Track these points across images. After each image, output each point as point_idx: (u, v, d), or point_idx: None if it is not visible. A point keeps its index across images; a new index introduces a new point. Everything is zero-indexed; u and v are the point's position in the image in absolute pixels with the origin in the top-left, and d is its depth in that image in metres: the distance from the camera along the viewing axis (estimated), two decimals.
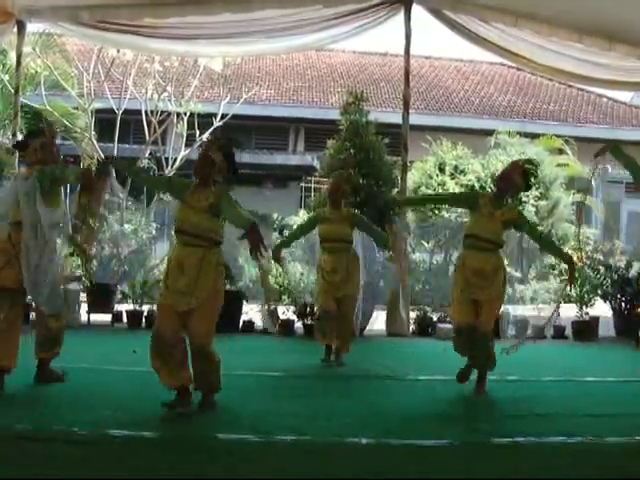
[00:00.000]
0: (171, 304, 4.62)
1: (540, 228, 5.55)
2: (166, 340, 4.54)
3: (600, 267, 10.41)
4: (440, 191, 12.67)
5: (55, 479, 3.30)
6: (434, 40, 20.85)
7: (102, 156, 14.43)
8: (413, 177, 13.88)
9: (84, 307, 9.59)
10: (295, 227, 7.83)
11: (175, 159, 15.03)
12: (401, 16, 9.59)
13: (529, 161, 5.85)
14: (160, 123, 14.74)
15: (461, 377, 5.70)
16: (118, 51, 13.54)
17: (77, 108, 14.28)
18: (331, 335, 6.86)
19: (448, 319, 9.60)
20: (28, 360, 5.40)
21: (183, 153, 15.16)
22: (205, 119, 15.17)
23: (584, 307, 9.73)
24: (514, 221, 5.61)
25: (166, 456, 3.75)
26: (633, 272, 10.09)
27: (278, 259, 7.09)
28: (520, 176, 5.56)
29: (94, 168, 5.43)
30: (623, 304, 9.83)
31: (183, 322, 4.61)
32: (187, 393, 4.67)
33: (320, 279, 6.97)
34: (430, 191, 13.86)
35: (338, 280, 6.77)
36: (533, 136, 17.17)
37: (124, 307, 9.68)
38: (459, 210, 13.67)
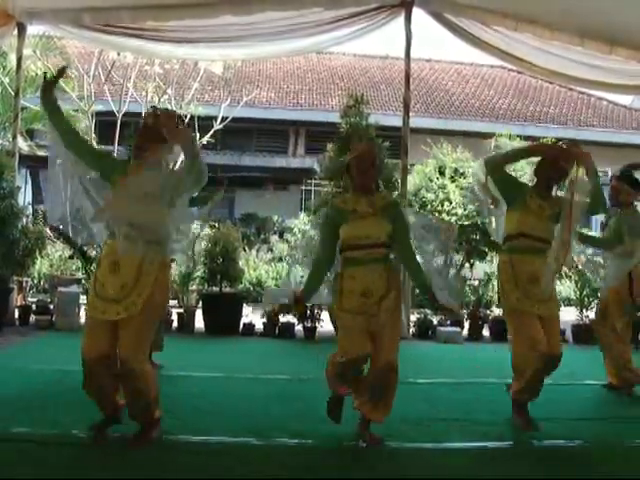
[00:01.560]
0: (99, 314, 3.81)
1: None
2: (91, 362, 3.80)
3: (600, 270, 10.40)
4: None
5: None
6: (434, 43, 20.86)
7: None
8: (413, 180, 13.85)
9: (83, 309, 9.58)
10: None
11: (175, 161, 15.02)
12: (402, 19, 9.60)
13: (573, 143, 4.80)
14: None
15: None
16: (119, 54, 13.56)
17: (77, 110, 14.30)
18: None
19: (448, 322, 9.62)
20: (23, 362, 5.39)
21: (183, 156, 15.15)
22: (205, 122, 15.19)
23: (584, 310, 9.74)
24: (558, 215, 4.63)
25: (166, 458, 3.74)
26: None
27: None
28: (567, 161, 4.61)
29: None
30: None
31: (114, 336, 3.81)
32: (117, 414, 4.08)
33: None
34: (431, 194, 13.83)
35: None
36: (533, 139, 17.10)
37: None
38: (459, 213, 13.68)
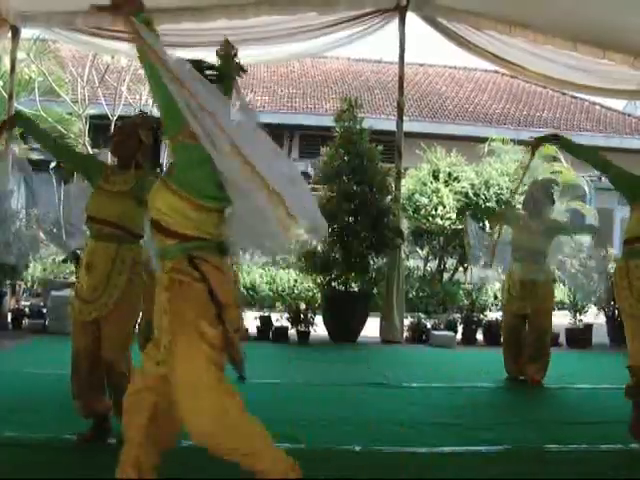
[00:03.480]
0: (77, 315, 3.91)
1: None
2: (80, 358, 3.90)
3: (594, 274, 10.42)
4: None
5: None
6: (428, 47, 20.94)
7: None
8: (407, 184, 13.87)
9: None
10: None
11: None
12: (396, 23, 9.62)
13: None
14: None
15: None
16: (112, 57, 13.52)
17: (71, 114, 14.27)
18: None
19: (442, 326, 9.62)
20: (16, 366, 5.37)
21: None
22: None
23: (578, 314, 9.75)
24: None
25: (164, 463, 3.72)
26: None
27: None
28: None
29: None
30: (617, 311, 9.84)
31: (97, 336, 3.89)
32: (105, 423, 4.08)
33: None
34: (425, 198, 13.84)
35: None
36: (527, 144, 17.18)
37: None
38: (453, 217, 13.70)
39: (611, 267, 9.73)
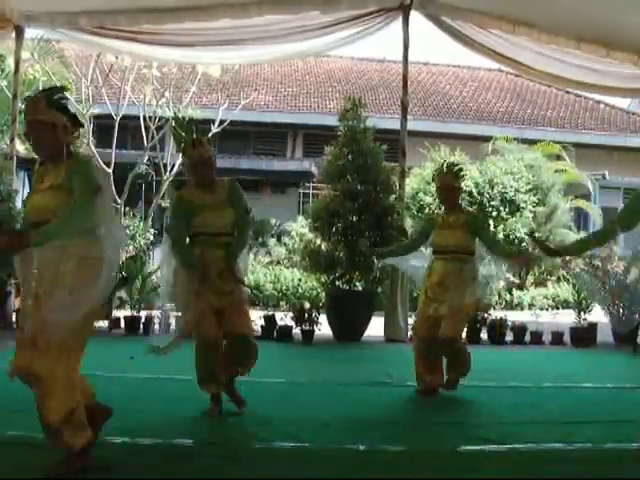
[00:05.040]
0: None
1: None
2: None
3: (598, 273, 10.41)
4: None
5: None
6: (432, 46, 20.92)
7: (100, 162, 14.45)
8: (411, 183, 13.88)
9: None
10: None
11: (173, 165, 15.03)
12: (399, 22, 9.61)
13: None
14: (158, 129, 14.75)
15: None
16: (116, 57, 13.54)
17: (75, 114, 14.28)
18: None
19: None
20: None
21: (181, 159, 15.16)
22: (203, 125, 15.14)
23: (582, 313, 9.73)
24: None
25: (164, 463, 3.73)
26: (631, 278, 10.08)
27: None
28: None
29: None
30: (621, 310, 9.82)
31: None
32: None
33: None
34: (429, 197, 13.83)
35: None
36: (531, 142, 17.20)
37: (122, 313, 9.67)
38: None
39: (615, 266, 9.73)
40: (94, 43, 10.19)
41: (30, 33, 10.72)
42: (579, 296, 9.90)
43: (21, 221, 3.76)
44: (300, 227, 15.77)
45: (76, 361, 3.53)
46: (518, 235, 14.24)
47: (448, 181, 5.80)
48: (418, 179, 14.31)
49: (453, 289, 5.67)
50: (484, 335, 9.52)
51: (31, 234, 3.27)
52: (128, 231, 12.59)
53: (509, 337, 9.51)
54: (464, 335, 9.46)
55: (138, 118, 14.64)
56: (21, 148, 11.50)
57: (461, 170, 5.90)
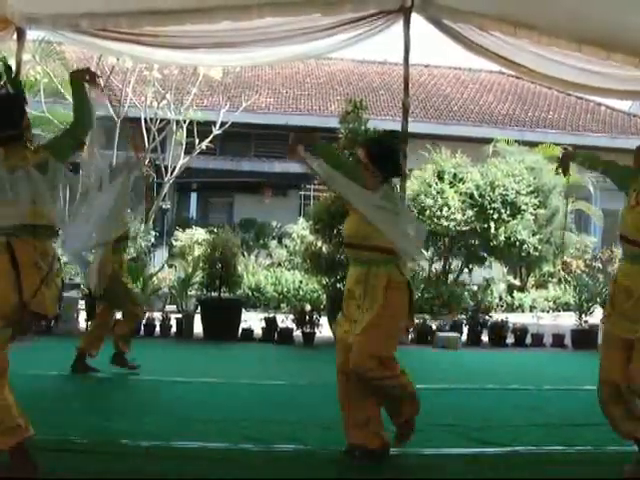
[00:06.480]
0: None
1: None
2: None
3: (599, 275, 10.42)
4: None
5: None
6: (433, 48, 20.92)
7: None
8: (412, 185, 13.87)
9: (83, 315, 9.58)
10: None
11: (174, 167, 15.05)
12: (400, 25, 9.60)
13: None
14: (159, 131, 14.77)
15: None
16: (117, 59, 13.57)
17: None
18: None
19: (447, 327, 9.62)
20: (21, 368, 5.36)
21: (182, 161, 15.17)
22: (204, 127, 15.20)
23: (583, 315, 9.73)
24: None
25: (164, 464, 3.73)
26: None
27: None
28: None
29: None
30: None
31: None
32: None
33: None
34: (429, 200, 13.84)
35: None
36: (532, 144, 17.18)
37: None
38: (458, 218, 13.69)
39: (616, 267, 9.74)
40: (95, 45, 10.17)
41: (31, 35, 10.71)
42: (580, 298, 9.90)
43: None
44: (301, 229, 15.76)
45: None
46: (519, 237, 14.23)
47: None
48: (419, 181, 14.29)
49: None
50: (485, 337, 9.53)
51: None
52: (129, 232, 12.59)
53: (510, 339, 9.51)
54: (464, 337, 9.50)
55: (139, 120, 14.65)
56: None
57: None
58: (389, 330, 3.88)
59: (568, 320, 10.04)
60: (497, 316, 9.99)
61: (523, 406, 5.57)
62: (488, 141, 17.02)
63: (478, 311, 10.26)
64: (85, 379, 6.10)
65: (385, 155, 4.06)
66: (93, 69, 14.00)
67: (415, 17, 9.59)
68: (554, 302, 14.70)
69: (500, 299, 14.53)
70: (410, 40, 9.70)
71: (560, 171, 4.50)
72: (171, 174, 14.99)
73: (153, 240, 13.29)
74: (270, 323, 9.15)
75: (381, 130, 4.40)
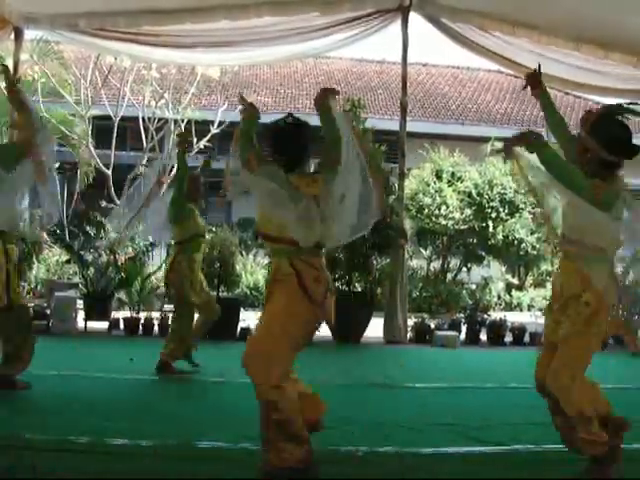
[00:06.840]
0: None
1: None
2: None
3: None
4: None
5: None
6: (431, 47, 20.92)
7: (99, 163, 14.45)
8: (410, 184, 13.88)
9: (81, 314, 9.58)
10: None
11: (172, 166, 15.03)
12: (398, 23, 9.62)
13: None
14: (157, 130, 14.76)
15: None
16: (116, 58, 13.57)
17: (74, 115, 14.31)
18: None
19: (446, 326, 9.63)
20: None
21: None
22: (202, 126, 15.19)
23: None
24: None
25: (163, 464, 3.73)
26: (630, 279, 10.08)
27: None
28: None
29: None
30: (620, 311, 9.82)
31: None
32: None
33: None
34: (428, 198, 13.85)
35: None
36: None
37: (121, 314, 9.68)
38: (456, 217, 13.70)
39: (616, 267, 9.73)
40: (93, 44, 10.18)
41: (29, 34, 10.71)
42: None
43: None
44: None
45: None
46: (517, 236, 14.25)
47: None
48: (417, 180, 14.31)
49: None
50: (483, 336, 9.53)
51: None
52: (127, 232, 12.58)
53: (508, 338, 9.51)
54: (463, 336, 9.50)
55: (137, 119, 14.65)
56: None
57: None
58: None
59: None
60: (495, 315, 10.00)
61: (522, 405, 5.56)
62: (486, 140, 17.01)
63: (476, 310, 10.27)
64: (85, 379, 6.08)
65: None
66: (91, 68, 14.06)
67: (413, 16, 9.61)
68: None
69: (498, 298, 14.56)
70: (408, 39, 9.73)
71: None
72: (169, 174, 14.96)
73: (152, 239, 13.27)
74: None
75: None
